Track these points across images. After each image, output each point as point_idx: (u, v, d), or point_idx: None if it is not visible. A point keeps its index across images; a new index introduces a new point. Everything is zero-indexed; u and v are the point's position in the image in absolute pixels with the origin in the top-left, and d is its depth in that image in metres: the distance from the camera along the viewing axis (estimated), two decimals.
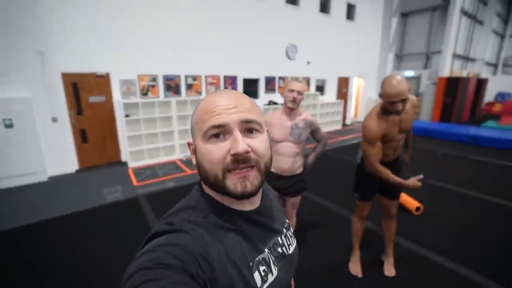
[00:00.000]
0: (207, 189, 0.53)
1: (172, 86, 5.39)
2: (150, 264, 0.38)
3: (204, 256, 0.42)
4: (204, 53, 5.63)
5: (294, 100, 1.74)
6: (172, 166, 4.87)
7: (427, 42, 11.41)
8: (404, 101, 1.47)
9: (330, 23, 7.98)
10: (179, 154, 5.42)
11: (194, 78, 5.65)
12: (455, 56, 10.14)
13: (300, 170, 1.93)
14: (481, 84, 10.49)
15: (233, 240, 0.48)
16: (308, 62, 7.60)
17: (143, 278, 0.36)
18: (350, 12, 8.64)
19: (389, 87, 1.46)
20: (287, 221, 0.67)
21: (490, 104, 12.07)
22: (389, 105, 1.52)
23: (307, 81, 7.85)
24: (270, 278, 0.51)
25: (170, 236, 0.43)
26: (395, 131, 1.66)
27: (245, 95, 0.53)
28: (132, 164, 4.81)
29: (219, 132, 0.47)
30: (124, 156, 5.02)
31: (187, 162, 5.15)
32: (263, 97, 6.94)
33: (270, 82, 6.99)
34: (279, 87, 7.20)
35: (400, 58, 12.33)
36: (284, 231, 0.62)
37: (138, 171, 4.54)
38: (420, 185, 1.55)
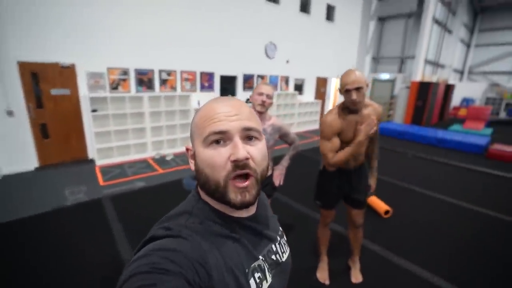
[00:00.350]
0: (204, 195, 0.52)
1: (145, 80, 5.13)
2: (146, 268, 0.37)
3: (201, 263, 0.41)
4: (180, 48, 5.42)
5: (263, 104, 1.69)
6: (143, 165, 4.65)
7: (402, 47, 11.86)
8: (359, 90, 1.45)
9: (310, 23, 8.02)
10: (152, 152, 5.19)
11: (169, 73, 5.42)
12: (427, 61, 10.62)
13: (269, 173, 1.88)
14: (449, 89, 11.10)
15: (230, 247, 0.48)
16: (287, 61, 7.60)
17: (139, 283, 0.35)
18: (330, 13, 8.74)
19: (345, 76, 1.48)
20: (280, 228, 0.67)
21: (456, 108, 12.82)
22: (345, 95, 1.51)
23: (286, 80, 7.85)
24: (265, 286, 0.51)
25: (167, 241, 0.43)
26: (351, 132, 1.61)
27: (244, 102, 0.54)
28: (100, 162, 4.53)
29: (220, 138, 0.48)
30: (91, 153, 4.72)
31: (160, 160, 4.95)
32: (241, 95, 6.84)
33: (248, 80, 6.90)
34: None
35: (377, 61, 12.73)
36: (278, 238, 0.62)
37: (106, 170, 4.29)
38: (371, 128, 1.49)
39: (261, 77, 7.14)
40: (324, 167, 1.82)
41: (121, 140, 4.82)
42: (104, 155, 4.65)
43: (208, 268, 0.42)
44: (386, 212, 3.03)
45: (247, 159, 0.47)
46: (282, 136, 1.88)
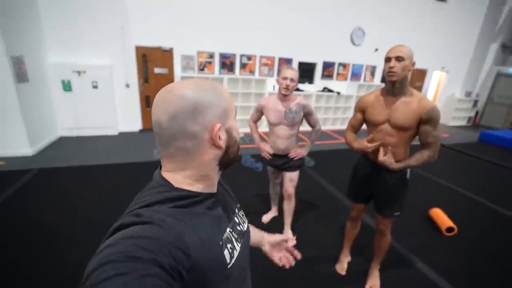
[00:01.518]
0: (181, 183, 0.52)
1: (227, 64, 5.69)
2: (116, 257, 0.36)
3: (177, 246, 0.41)
4: (261, 33, 5.70)
5: (287, 87, 1.86)
6: None
7: None
8: (399, 60, 1.37)
9: (412, 4, 6.93)
10: None
11: (249, 57, 5.82)
12: None
13: (295, 148, 2.13)
14: None
15: (204, 223, 0.50)
16: (376, 49, 6.88)
17: (111, 273, 0.34)
18: None
19: (392, 47, 1.44)
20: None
21: None
22: (384, 66, 1.45)
23: (372, 70, 7.15)
24: (236, 254, 0.55)
25: (138, 228, 0.41)
26: (379, 114, 1.51)
27: None
28: None
29: None
30: None
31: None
32: (319, 83, 6.70)
33: (328, 68, 6.65)
34: (338, 74, 6.79)
35: (509, 50, 9.91)
36: (237, 210, 0.67)
37: None
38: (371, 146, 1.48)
39: (343, 65, 6.76)
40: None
41: None
42: None
43: (185, 248, 0.42)
44: (449, 229, 2.60)
45: None
46: (306, 115, 2.02)
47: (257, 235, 0.84)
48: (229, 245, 0.53)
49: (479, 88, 8.97)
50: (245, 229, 0.65)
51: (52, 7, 4.26)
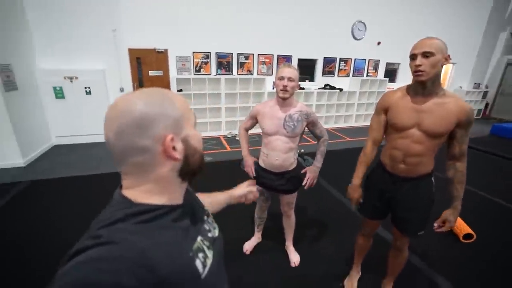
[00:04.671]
0: (142, 198, 0.49)
1: (224, 63, 5.51)
2: (73, 285, 0.35)
3: (139, 264, 0.40)
4: (258, 32, 5.50)
5: (285, 89, 1.54)
6: (215, 142, 5.13)
7: None
8: (427, 56, 1.14)
9: None
10: (225, 130, 5.64)
11: (246, 56, 5.62)
12: None
13: (293, 166, 1.76)
14: None
15: (171, 236, 0.48)
16: (379, 43, 6.62)
17: None
18: None
19: (418, 41, 1.20)
20: (205, 206, 0.69)
21: None
22: (410, 64, 1.22)
23: (375, 65, 6.89)
24: (208, 263, 0.54)
25: (97, 250, 0.39)
26: (406, 116, 1.28)
27: None
28: None
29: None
30: None
31: (231, 139, 5.33)
32: (320, 80, 6.47)
33: (329, 64, 6.43)
34: (339, 70, 6.56)
35: None
36: (206, 217, 0.65)
37: None
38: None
39: (344, 61, 6.52)
40: (378, 161, 1.52)
41: (199, 118, 5.41)
42: None
43: (149, 265, 0.41)
44: (467, 236, 2.37)
45: None
46: (310, 125, 1.70)
47: (222, 197, 0.93)
48: (200, 254, 0.52)
49: (488, 79, 8.61)
50: (216, 235, 0.64)
51: (39, 13, 4.12)
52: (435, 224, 1.36)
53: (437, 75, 1.18)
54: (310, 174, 1.73)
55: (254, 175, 1.80)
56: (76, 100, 4.53)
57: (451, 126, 1.20)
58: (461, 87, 8.26)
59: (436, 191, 1.39)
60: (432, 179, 1.38)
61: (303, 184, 1.74)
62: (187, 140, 0.50)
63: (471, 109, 1.19)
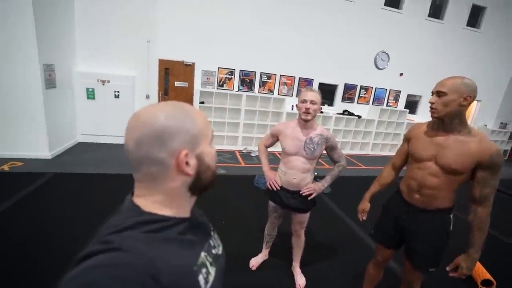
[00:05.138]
0: (151, 207, 0.50)
1: (246, 81, 5.70)
2: None
3: (148, 273, 0.40)
4: (283, 53, 5.70)
5: (307, 111, 1.62)
6: (230, 156, 5.21)
7: None
8: (439, 95, 1.21)
9: (441, 31, 6.70)
10: (241, 146, 5.73)
11: (269, 76, 5.80)
12: None
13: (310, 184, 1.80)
14: None
15: (177, 249, 0.49)
16: (401, 74, 6.65)
17: None
18: (475, 17, 7.01)
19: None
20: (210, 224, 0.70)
21: None
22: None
23: (396, 95, 6.88)
24: (211, 279, 0.54)
25: (106, 256, 0.40)
26: (425, 149, 1.31)
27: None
28: None
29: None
30: None
31: (245, 155, 5.40)
32: (339, 106, 6.52)
33: (349, 90, 6.49)
34: (359, 97, 6.59)
35: None
36: (212, 233, 0.65)
37: None
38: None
39: (365, 88, 6.57)
40: (397, 188, 1.54)
41: (218, 131, 5.55)
42: None
43: (156, 275, 0.41)
44: (486, 282, 2.23)
45: None
46: (329, 149, 1.75)
47: None
48: (203, 270, 0.52)
49: None
50: (220, 252, 0.64)
51: (87, 20, 4.52)
52: (448, 268, 1.32)
53: (455, 114, 1.21)
54: (313, 186, 1.77)
55: (278, 188, 1.81)
56: (104, 102, 4.80)
57: (470, 165, 1.19)
58: (485, 125, 8.03)
59: (458, 233, 1.35)
60: (451, 216, 1.36)
61: (301, 192, 1.76)
62: (201, 157, 0.51)
63: (498, 150, 1.16)
